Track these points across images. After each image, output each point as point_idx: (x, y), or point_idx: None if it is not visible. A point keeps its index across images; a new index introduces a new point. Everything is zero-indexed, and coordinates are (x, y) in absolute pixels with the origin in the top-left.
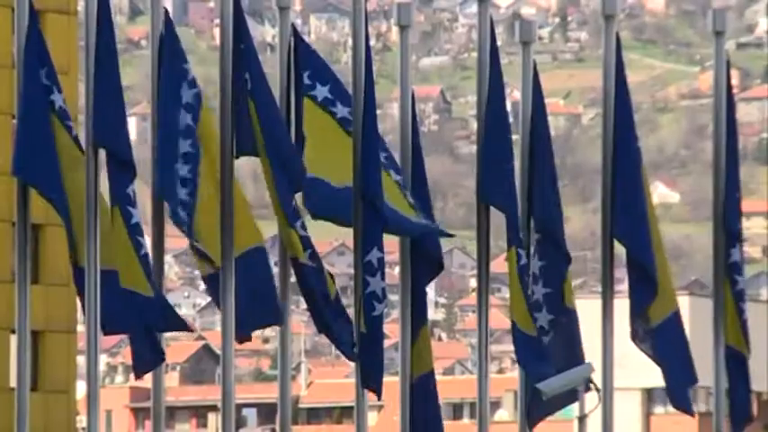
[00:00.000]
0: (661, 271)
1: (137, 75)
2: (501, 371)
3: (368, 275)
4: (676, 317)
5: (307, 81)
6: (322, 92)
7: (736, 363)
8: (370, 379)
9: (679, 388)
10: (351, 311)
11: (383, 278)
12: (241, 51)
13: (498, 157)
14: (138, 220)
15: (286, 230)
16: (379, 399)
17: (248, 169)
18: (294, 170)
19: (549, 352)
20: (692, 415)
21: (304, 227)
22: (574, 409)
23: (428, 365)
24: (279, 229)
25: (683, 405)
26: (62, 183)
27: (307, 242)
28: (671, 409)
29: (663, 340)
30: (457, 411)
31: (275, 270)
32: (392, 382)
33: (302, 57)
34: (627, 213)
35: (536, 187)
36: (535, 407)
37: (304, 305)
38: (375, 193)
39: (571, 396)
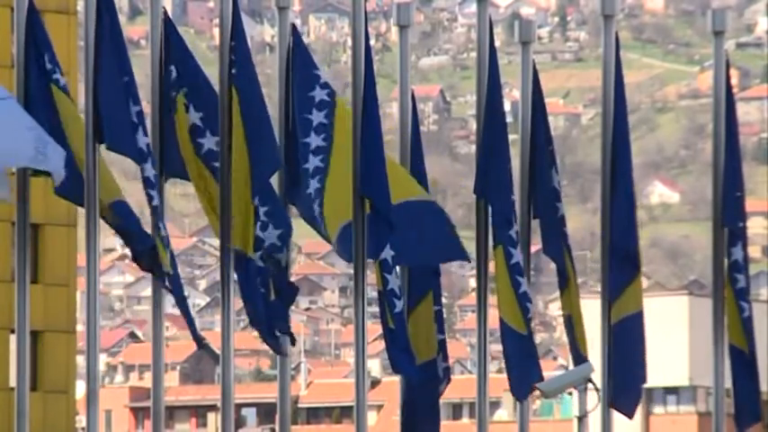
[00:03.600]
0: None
1: (137, 75)
2: (501, 371)
3: (385, 273)
4: (641, 316)
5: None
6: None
7: (740, 362)
8: (404, 368)
9: (626, 388)
10: (351, 311)
11: (397, 275)
12: (231, 48)
13: (495, 156)
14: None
15: (246, 224)
16: (413, 382)
17: None
18: (269, 171)
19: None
20: (630, 417)
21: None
22: (574, 408)
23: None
24: (235, 221)
25: (626, 407)
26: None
27: (260, 244)
28: (671, 408)
29: (625, 335)
30: (456, 411)
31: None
32: (392, 382)
33: (300, 56)
34: (621, 211)
35: (538, 186)
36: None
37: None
38: (379, 193)
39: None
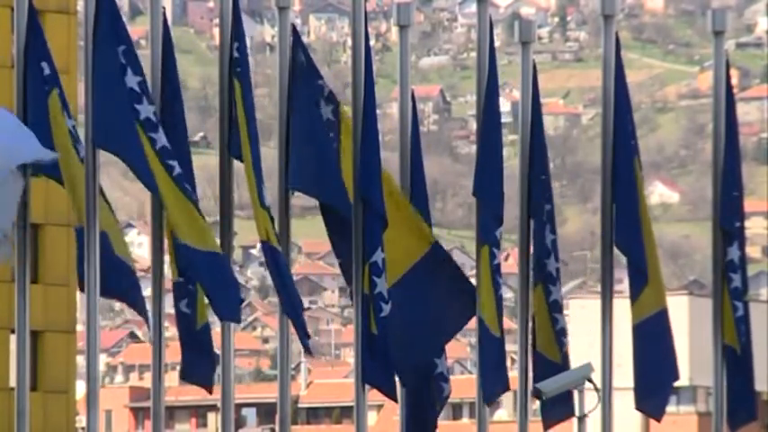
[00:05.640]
0: (652, 269)
1: None
2: None
3: (374, 276)
4: (664, 314)
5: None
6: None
7: (733, 361)
8: (381, 380)
9: (655, 390)
10: (351, 311)
11: (386, 279)
12: (234, 51)
13: (491, 156)
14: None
15: (260, 214)
16: (394, 400)
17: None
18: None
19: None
20: (658, 420)
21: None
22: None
23: None
24: (254, 215)
25: (654, 410)
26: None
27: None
28: (671, 408)
29: (645, 337)
30: (456, 411)
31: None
32: None
33: (313, 63)
34: (622, 213)
35: (533, 187)
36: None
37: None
38: (375, 194)
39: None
